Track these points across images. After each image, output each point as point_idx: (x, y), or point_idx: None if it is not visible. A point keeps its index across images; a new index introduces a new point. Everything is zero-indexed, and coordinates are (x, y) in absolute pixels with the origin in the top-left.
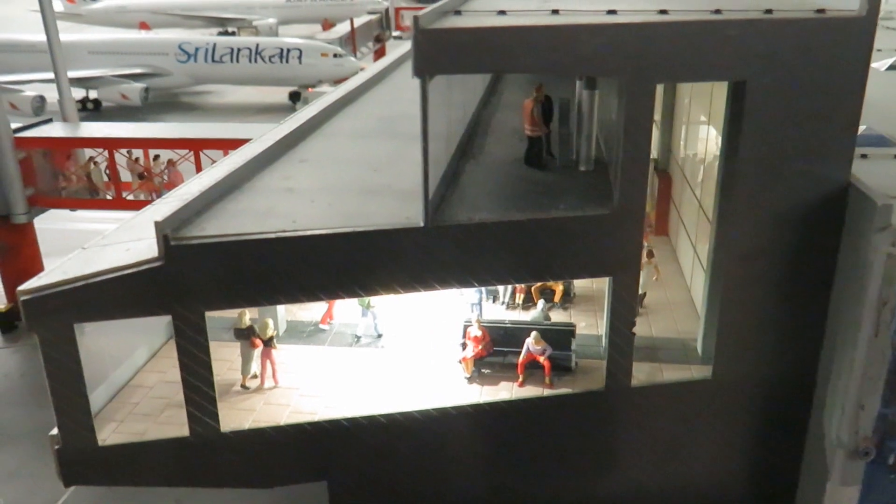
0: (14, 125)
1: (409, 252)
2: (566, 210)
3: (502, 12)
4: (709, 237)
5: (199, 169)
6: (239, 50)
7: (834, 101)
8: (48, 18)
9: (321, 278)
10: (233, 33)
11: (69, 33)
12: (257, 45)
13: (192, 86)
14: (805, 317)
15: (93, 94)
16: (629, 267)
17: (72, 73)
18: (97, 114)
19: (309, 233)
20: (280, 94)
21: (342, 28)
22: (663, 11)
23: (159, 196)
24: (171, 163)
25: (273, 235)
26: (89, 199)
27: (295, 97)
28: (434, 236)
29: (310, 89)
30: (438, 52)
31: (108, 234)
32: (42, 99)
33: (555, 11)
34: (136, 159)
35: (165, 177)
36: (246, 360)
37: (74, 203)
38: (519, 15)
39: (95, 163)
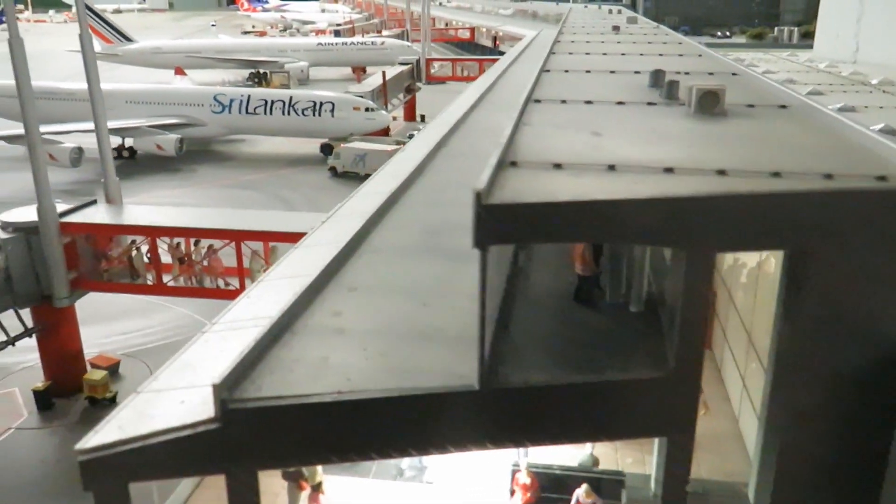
0: (59, 207)
1: (463, 413)
2: (621, 372)
3: (558, 165)
4: (761, 386)
5: (239, 258)
6: (273, 102)
7: None
8: (94, 86)
9: (374, 439)
10: (264, 75)
11: (106, 82)
12: (291, 98)
13: (225, 136)
14: (866, 473)
15: (129, 142)
16: (685, 428)
17: (110, 124)
18: (132, 162)
19: (363, 396)
20: (311, 146)
21: (374, 81)
22: (722, 172)
23: (199, 281)
24: (211, 249)
25: (329, 399)
26: (130, 283)
27: (327, 149)
28: (488, 399)
29: (341, 144)
30: (500, 226)
31: (161, 374)
32: (80, 150)
33: (611, 167)
34: (178, 245)
35: (205, 262)
36: (292, 501)
37: (116, 287)
38: (575, 170)
39: (137, 247)
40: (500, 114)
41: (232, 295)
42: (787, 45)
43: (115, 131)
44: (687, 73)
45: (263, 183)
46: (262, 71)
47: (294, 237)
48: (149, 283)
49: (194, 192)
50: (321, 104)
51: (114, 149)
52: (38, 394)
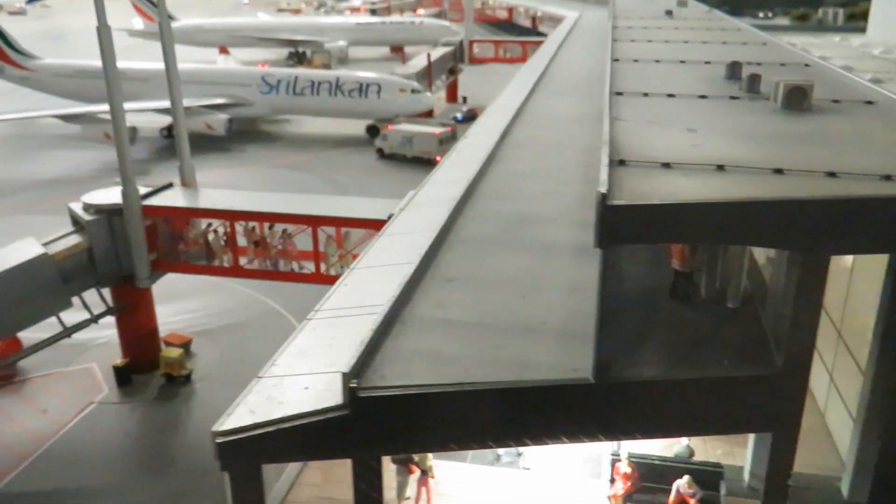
0: (140, 190)
1: (578, 405)
2: (729, 368)
3: (667, 165)
4: (853, 383)
5: (315, 243)
6: (320, 83)
7: None
8: (171, 70)
9: (492, 428)
10: (303, 54)
11: (153, 61)
12: (337, 79)
13: (271, 116)
14: None
15: None
16: (790, 424)
17: (161, 104)
18: None
19: (483, 388)
20: (355, 126)
21: (419, 62)
22: (832, 174)
23: (273, 264)
24: (286, 233)
25: (451, 389)
26: (206, 265)
27: (372, 131)
28: (602, 393)
29: (388, 126)
30: (624, 227)
31: (278, 359)
32: (135, 130)
33: (720, 167)
34: (253, 228)
35: (279, 245)
36: (402, 485)
37: (193, 269)
38: (684, 170)
39: (215, 231)
40: (557, 100)
41: (306, 278)
42: (832, 27)
43: (166, 111)
44: (759, 64)
45: (312, 164)
46: (301, 50)
47: (368, 223)
48: (224, 265)
49: (246, 173)
50: (367, 86)
51: (164, 128)
52: (117, 370)
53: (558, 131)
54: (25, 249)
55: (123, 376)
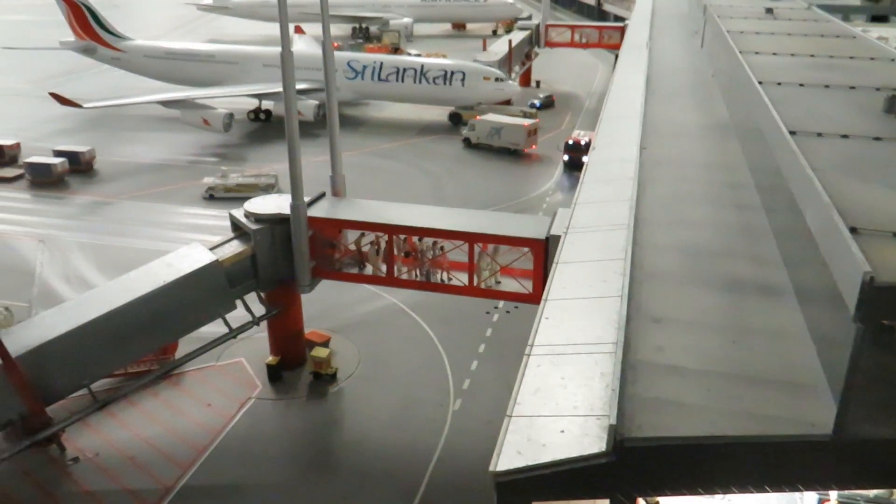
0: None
1: (815, 458)
2: None
3: None
4: None
5: (471, 257)
6: (405, 70)
7: None
8: (329, 73)
9: (736, 475)
10: (366, 30)
11: (230, 45)
12: (422, 66)
13: (355, 101)
14: None
15: (262, 106)
16: None
17: (251, 88)
18: (268, 125)
19: (732, 441)
20: (435, 112)
21: (500, 48)
22: None
23: (423, 274)
24: (436, 245)
25: (706, 442)
26: (364, 274)
27: (455, 118)
28: (840, 447)
29: (477, 117)
30: (888, 306)
31: (520, 398)
32: (231, 116)
33: None
34: (405, 239)
35: (430, 255)
36: None
37: (347, 276)
38: None
39: (372, 242)
40: (675, 108)
41: (459, 291)
42: None
43: (255, 95)
44: None
45: (400, 152)
46: (364, 26)
47: (524, 242)
48: (372, 273)
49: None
50: (452, 73)
51: (251, 111)
52: (270, 367)
53: (691, 147)
54: (197, 256)
55: (275, 373)
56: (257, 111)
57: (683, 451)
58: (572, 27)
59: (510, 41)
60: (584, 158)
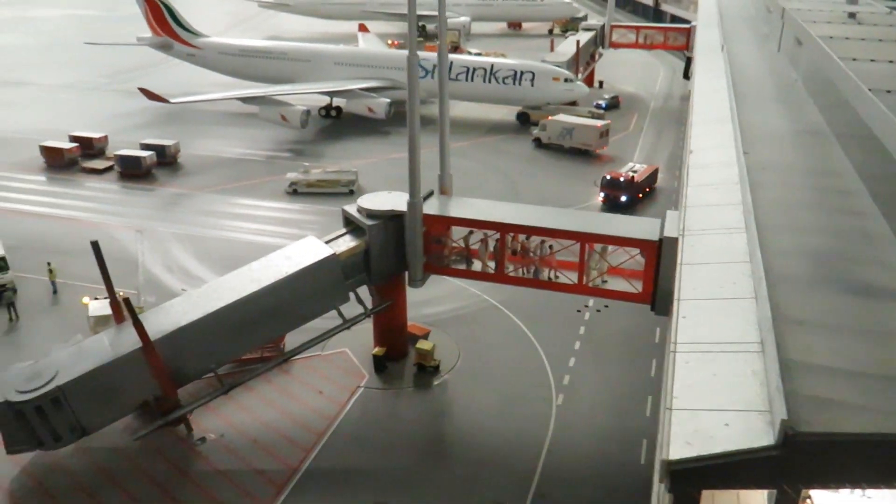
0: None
1: None
2: None
3: None
4: None
5: (582, 257)
6: (475, 69)
7: None
8: (443, 75)
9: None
10: (423, 28)
11: (298, 42)
12: (492, 66)
13: (424, 100)
14: None
15: (333, 103)
16: None
17: (324, 86)
18: (338, 121)
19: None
20: (502, 111)
21: (568, 49)
22: None
23: (531, 272)
24: (543, 244)
25: (867, 438)
26: (472, 270)
27: (522, 117)
28: None
29: (549, 117)
30: None
31: (677, 392)
32: (308, 113)
33: None
34: (514, 236)
35: (538, 253)
36: None
37: (456, 272)
38: None
39: (481, 239)
40: (766, 113)
41: (567, 289)
42: None
43: (327, 92)
44: None
45: (472, 150)
46: (421, 24)
47: (635, 243)
48: (480, 270)
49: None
50: (521, 73)
51: (322, 108)
52: (376, 358)
53: (792, 152)
54: (314, 249)
55: (380, 364)
56: (328, 108)
57: (851, 447)
58: (637, 28)
59: (578, 42)
60: (623, 198)
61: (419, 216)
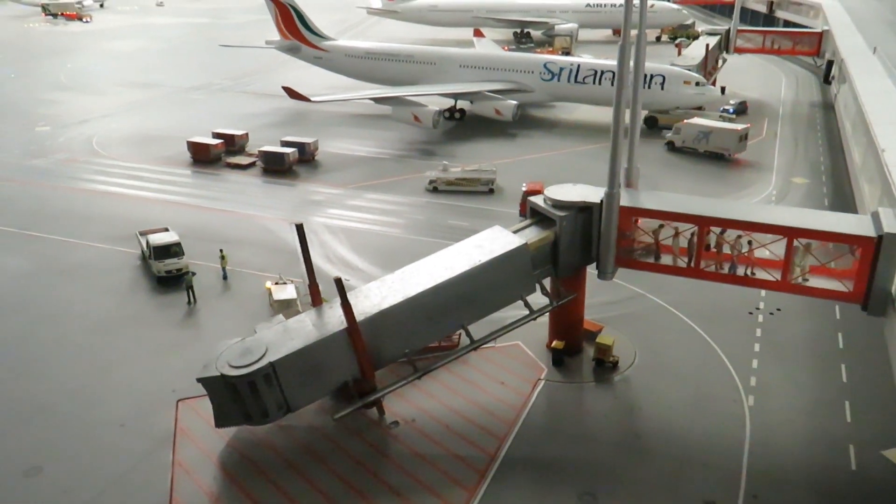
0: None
1: None
2: None
3: None
4: None
5: (788, 255)
6: (602, 73)
7: None
8: (634, 76)
9: None
10: (527, 34)
11: (423, 45)
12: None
13: (547, 102)
14: None
15: (457, 105)
16: None
17: (451, 88)
18: (462, 123)
19: None
20: (627, 115)
21: (696, 52)
22: None
23: (731, 269)
24: (740, 238)
25: None
26: (663, 264)
27: (650, 121)
28: None
29: (684, 121)
30: None
31: None
32: (440, 114)
33: None
34: (709, 230)
35: (737, 250)
36: None
37: (649, 266)
38: None
39: (677, 232)
40: None
41: (770, 286)
42: None
43: (451, 95)
44: None
45: (604, 153)
46: (526, 31)
47: (851, 239)
48: (668, 264)
49: (545, 159)
50: (651, 76)
51: (446, 109)
52: (555, 351)
53: None
54: (505, 238)
55: (558, 357)
56: (452, 110)
57: None
58: (764, 32)
59: (707, 44)
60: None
61: (616, 207)
